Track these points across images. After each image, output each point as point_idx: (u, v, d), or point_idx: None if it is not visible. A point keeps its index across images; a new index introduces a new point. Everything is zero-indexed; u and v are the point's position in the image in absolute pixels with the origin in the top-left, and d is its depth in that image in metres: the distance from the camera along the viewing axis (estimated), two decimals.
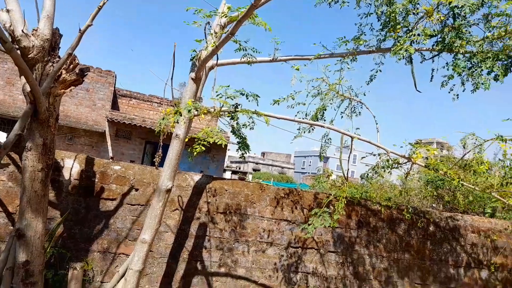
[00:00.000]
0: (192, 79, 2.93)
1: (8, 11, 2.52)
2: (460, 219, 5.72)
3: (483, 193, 4.19)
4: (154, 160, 4.12)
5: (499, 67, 4.32)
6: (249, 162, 44.13)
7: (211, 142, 2.73)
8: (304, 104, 4.18)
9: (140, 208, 3.81)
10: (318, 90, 4.12)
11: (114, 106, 15.86)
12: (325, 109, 4.29)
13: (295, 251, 4.21)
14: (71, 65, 2.77)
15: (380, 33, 4.77)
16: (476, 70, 4.30)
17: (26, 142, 2.57)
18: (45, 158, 2.65)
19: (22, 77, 2.52)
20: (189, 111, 2.52)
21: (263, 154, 52.84)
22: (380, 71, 4.88)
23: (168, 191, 2.89)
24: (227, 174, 31.85)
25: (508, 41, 4.70)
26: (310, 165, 62.30)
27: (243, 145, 2.67)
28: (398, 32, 4.34)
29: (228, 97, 2.48)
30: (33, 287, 2.60)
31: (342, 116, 4.48)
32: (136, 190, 3.81)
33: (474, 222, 5.82)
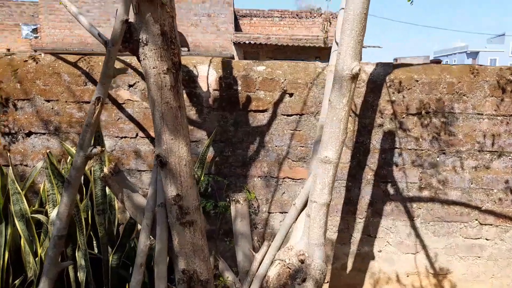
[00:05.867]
0: None
1: None
2: None
3: None
4: None
5: None
6: None
7: None
8: None
9: (299, 118, 2.87)
10: None
11: (237, 28, 15.28)
12: None
13: None
14: None
15: None
16: None
17: (139, 34, 1.79)
18: (168, 53, 1.84)
19: None
20: None
21: (395, 60, 47.19)
22: None
23: (354, 77, 1.78)
24: None
25: None
26: (454, 63, 53.14)
27: None
28: None
29: None
30: (191, 227, 1.97)
31: None
32: (290, 95, 2.86)
33: None
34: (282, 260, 1.80)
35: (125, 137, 2.83)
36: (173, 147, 1.88)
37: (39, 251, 2.15)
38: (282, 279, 1.73)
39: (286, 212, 2.86)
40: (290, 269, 1.75)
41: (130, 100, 2.81)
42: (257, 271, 2.00)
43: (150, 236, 2.01)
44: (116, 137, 2.84)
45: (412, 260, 2.86)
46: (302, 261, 1.73)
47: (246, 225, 2.11)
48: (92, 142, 2.25)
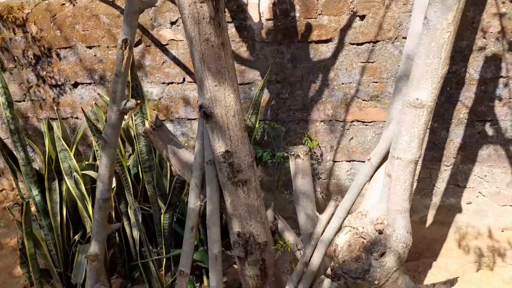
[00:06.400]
0: None
1: None
2: None
3: None
4: None
5: None
6: None
7: None
8: None
9: (372, 47, 2.34)
10: None
11: None
12: None
13: None
14: None
15: None
16: None
17: None
18: None
19: None
20: None
21: None
22: None
23: None
24: None
25: None
26: None
27: None
28: None
29: None
30: (245, 186, 1.72)
31: None
32: (362, 17, 2.30)
33: None
34: (354, 228, 1.48)
35: (171, 82, 2.58)
36: (217, 95, 1.56)
37: (89, 208, 2.07)
38: (354, 250, 1.43)
39: (354, 161, 2.49)
40: (364, 239, 1.43)
41: (174, 40, 2.49)
42: (321, 235, 1.72)
43: (201, 195, 1.79)
44: (163, 83, 2.59)
45: (510, 214, 2.38)
46: (380, 231, 1.40)
47: (308, 183, 1.79)
48: (131, 93, 2.02)
